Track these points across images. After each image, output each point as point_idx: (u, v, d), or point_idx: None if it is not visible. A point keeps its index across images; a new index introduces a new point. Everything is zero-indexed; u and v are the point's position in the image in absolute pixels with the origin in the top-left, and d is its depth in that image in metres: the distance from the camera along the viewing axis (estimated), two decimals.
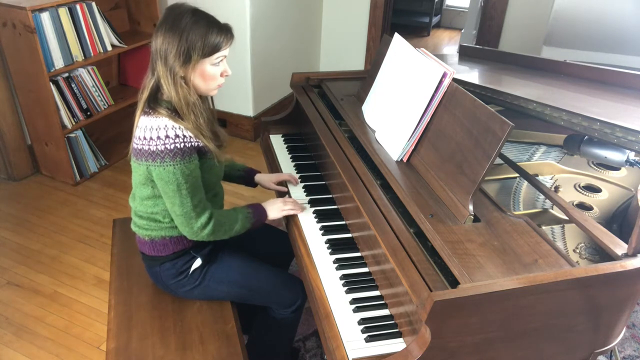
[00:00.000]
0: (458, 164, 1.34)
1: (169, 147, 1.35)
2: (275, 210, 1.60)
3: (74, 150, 2.95)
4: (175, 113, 1.39)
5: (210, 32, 1.36)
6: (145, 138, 1.37)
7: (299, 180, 1.83)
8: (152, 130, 1.36)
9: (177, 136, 1.36)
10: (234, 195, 2.90)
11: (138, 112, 1.43)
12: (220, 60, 1.42)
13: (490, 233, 1.26)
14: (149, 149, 1.36)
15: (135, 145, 1.41)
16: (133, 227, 1.58)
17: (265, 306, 1.65)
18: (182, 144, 1.36)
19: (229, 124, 3.57)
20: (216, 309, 1.57)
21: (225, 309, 1.58)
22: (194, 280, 1.55)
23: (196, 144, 1.39)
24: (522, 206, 1.56)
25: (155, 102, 1.40)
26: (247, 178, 1.82)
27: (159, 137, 1.35)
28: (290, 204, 1.63)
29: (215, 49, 1.38)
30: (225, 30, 1.39)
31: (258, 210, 1.58)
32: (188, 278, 1.55)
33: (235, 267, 1.59)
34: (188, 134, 1.37)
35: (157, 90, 1.41)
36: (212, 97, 1.54)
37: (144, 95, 1.42)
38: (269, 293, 1.61)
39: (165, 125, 1.36)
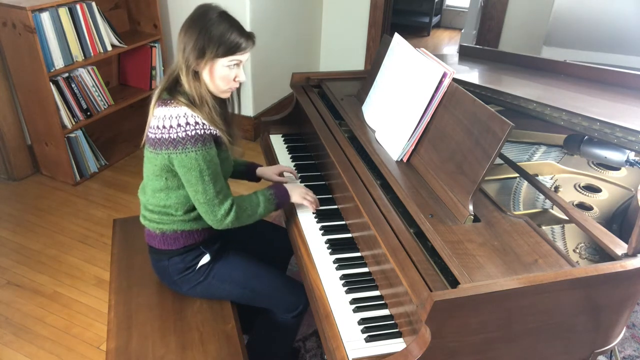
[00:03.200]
0: (458, 164, 1.34)
1: (190, 134, 1.37)
2: (297, 194, 1.61)
3: (74, 150, 2.95)
4: (193, 104, 1.41)
5: (229, 34, 1.38)
6: (165, 127, 1.38)
7: (299, 180, 1.83)
8: (171, 118, 1.38)
9: (197, 123, 1.38)
10: (234, 194, 2.90)
11: (154, 101, 1.44)
12: (235, 64, 1.43)
13: (490, 233, 1.26)
14: (169, 137, 1.38)
15: (153, 135, 1.42)
16: (142, 221, 1.57)
17: (267, 309, 1.65)
18: (202, 131, 1.38)
19: None
20: (216, 309, 1.57)
21: (226, 309, 1.58)
22: (199, 276, 1.55)
23: (214, 131, 1.42)
24: (522, 206, 1.56)
25: (175, 91, 1.42)
26: (249, 173, 1.83)
27: (179, 125, 1.37)
28: (311, 196, 1.64)
29: (230, 51, 1.39)
30: (246, 36, 1.42)
31: (280, 191, 1.59)
32: (194, 273, 1.55)
33: (240, 267, 1.59)
34: (206, 122, 1.40)
35: (176, 80, 1.44)
36: (238, 98, 1.57)
37: (162, 83, 1.44)
38: (272, 296, 1.61)
39: (185, 114, 1.38)
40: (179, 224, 1.51)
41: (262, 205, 1.53)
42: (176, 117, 1.38)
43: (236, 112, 1.59)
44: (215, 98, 1.46)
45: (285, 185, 1.62)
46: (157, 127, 1.40)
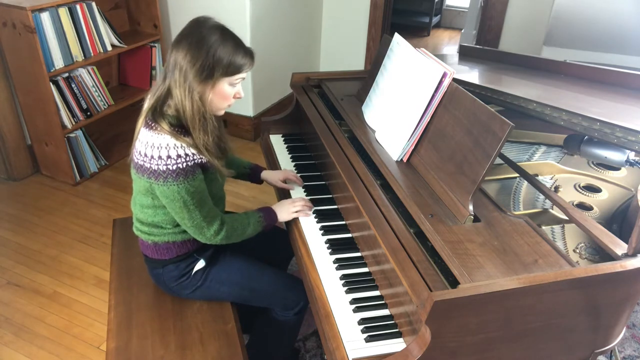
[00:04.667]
0: (458, 164, 1.34)
1: (171, 168, 1.33)
2: (284, 212, 1.61)
3: (74, 150, 2.95)
4: (179, 129, 1.36)
5: (237, 53, 1.36)
6: (146, 155, 1.35)
7: (302, 181, 1.83)
8: (153, 148, 1.33)
9: (179, 156, 1.33)
10: (234, 195, 2.90)
11: (141, 120, 1.40)
12: (238, 82, 1.41)
13: (490, 233, 1.26)
14: (150, 167, 1.34)
15: (135, 159, 1.39)
16: (135, 231, 1.57)
17: (267, 307, 1.65)
18: (185, 164, 1.34)
19: (229, 124, 3.57)
20: (216, 309, 1.57)
21: (225, 309, 1.58)
22: (196, 281, 1.55)
23: (199, 160, 1.37)
24: (522, 206, 1.56)
25: (159, 115, 1.37)
26: (253, 175, 1.82)
27: (160, 157, 1.33)
28: (299, 204, 1.62)
29: (238, 70, 1.38)
30: (250, 54, 1.40)
31: (269, 214, 1.58)
32: (190, 280, 1.55)
33: (237, 268, 1.59)
34: (190, 151, 1.35)
35: (164, 100, 1.38)
36: (224, 120, 1.53)
37: (150, 102, 1.39)
38: (271, 295, 1.61)
39: (167, 144, 1.33)
40: (170, 236, 1.50)
41: (251, 226, 1.53)
42: (157, 148, 1.33)
43: (221, 126, 1.54)
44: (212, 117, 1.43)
45: (273, 207, 1.61)
46: (140, 153, 1.36)
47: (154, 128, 1.35)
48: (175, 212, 1.39)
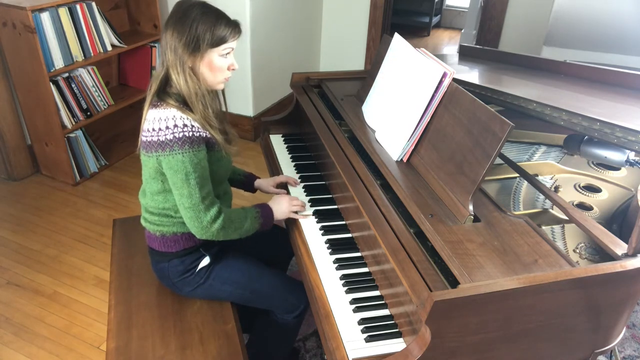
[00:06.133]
0: (458, 164, 1.34)
1: (177, 136, 1.36)
2: (281, 212, 1.60)
3: (74, 150, 2.95)
4: (184, 105, 1.41)
5: (218, 23, 1.39)
6: (154, 129, 1.38)
7: (299, 180, 1.83)
8: (160, 121, 1.38)
9: (185, 125, 1.37)
10: (234, 195, 2.89)
11: (146, 106, 1.44)
12: (228, 53, 1.44)
13: (490, 233, 1.26)
14: (158, 139, 1.38)
15: (144, 138, 1.42)
16: (143, 222, 1.57)
17: (268, 309, 1.65)
18: (191, 133, 1.38)
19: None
20: (216, 309, 1.57)
21: (225, 309, 1.58)
22: (200, 278, 1.55)
23: (204, 134, 1.41)
24: (522, 206, 1.56)
25: (164, 94, 1.42)
26: (246, 183, 1.83)
27: (167, 127, 1.37)
28: (297, 205, 1.62)
29: (223, 40, 1.41)
30: (234, 23, 1.43)
31: (265, 211, 1.57)
32: (194, 276, 1.55)
33: (240, 268, 1.59)
34: (196, 124, 1.39)
35: (166, 82, 1.43)
36: (224, 97, 1.57)
37: (153, 87, 1.44)
38: (272, 297, 1.61)
39: (174, 116, 1.38)
40: (178, 226, 1.51)
41: (248, 221, 1.52)
42: (165, 120, 1.37)
43: (223, 109, 1.58)
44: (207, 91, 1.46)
45: (270, 203, 1.60)
46: (148, 130, 1.40)
47: (160, 105, 1.40)
48: (177, 186, 1.39)
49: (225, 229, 1.45)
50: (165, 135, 1.37)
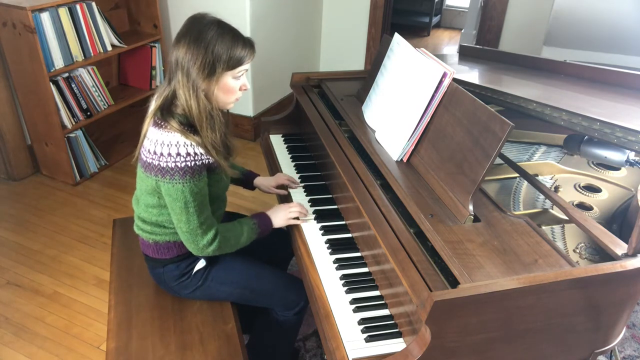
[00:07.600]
0: (458, 164, 1.34)
1: (179, 165, 1.33)
2: (280, 219, 1.58)
3: (74, 150, 2.95)
4: (188, 127, 1.37)
5: (235, 45, 1.35)
6: (155, 153, 1.35)
7: (299, 181, 1.83)
8: (162, 145, 1.34)
9: (188, 154, 1.34)
10: (234, 195, 2.90)
11: (148, 120, 1.40)
12: (241, 74, 1.41)
13: (490, 233, 1.26)
14: (159, 164, 1.35)
15: (144, 158, 1.40)
16: (136, 230, 1.56)
17: (268, 307, 1.65)
18: (193, 162, 1.34)
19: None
20: (216, 309, 1.57)
21: (225, 309, 1.58)
22: (197, 281, 1.55)
23: (207, 160, 1.38)
24: (522, 206, 1.56)
25: (168, 114, 1.37)
26: (246, 181, 1.82)
27: (169, 154, 1.33)
28: (295, 211, 1.60)
29: (240, 62, 1.37)
30: (250, 45, 1.39)
31: (263, 220, 1.56)
32: (191, 279, 1.54)
33: (238, 268, 1.59)
34: (199, 150, 1.35)
35: (171, 101, 1.39)
36: (228, 111, 1.53)
37: (157, 103, 1.40)
38: (272, 295, 1.61)
39: (177, 142, 1.34)
40: (172, 236, 1.50)
41: (245, 235, 1.51)
42: (168, 145, 1.34)
43: (227, 119, 1.55)
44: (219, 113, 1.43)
45: (268, 212, 1.59)
46: (149, 152, 1.37)
47: (163, 126, 1.36)
48: (175, 212, 1.39)
49: (221, 248, 1.46)
50: (167, 162, 1.33)
